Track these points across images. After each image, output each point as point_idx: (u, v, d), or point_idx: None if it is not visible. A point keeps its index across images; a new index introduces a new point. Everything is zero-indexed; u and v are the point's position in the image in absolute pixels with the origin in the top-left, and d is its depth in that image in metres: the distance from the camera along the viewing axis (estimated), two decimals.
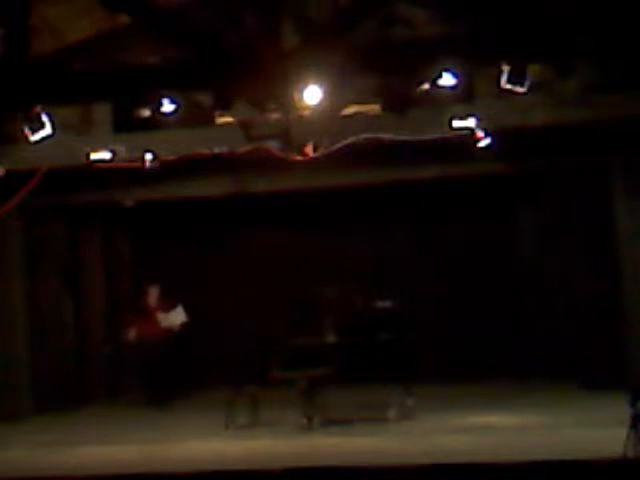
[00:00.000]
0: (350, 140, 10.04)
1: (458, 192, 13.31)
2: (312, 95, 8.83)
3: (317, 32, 8.79)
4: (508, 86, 8.32)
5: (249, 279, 14.97)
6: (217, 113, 10.61)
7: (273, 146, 9.93)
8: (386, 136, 9.97)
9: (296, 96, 8.98)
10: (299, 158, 10.02)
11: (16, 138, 9.81)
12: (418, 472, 7.52)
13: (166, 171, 10.45)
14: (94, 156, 10.29)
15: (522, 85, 8.29)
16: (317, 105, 9.10)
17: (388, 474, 7.61)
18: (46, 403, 12.51)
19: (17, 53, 8.27)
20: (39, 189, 10.34)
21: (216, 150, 10.29)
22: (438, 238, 15.17)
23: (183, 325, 13.10)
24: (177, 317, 13.13)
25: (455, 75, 8.43)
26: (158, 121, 9.65)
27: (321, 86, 8.68)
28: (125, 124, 10.74)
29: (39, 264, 13.02)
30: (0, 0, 8.38)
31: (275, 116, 9.62)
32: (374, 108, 10.50)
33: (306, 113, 9.82)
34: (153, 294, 13.52)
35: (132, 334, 13.12)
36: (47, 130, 8.94)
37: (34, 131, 8.95)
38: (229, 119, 10.46)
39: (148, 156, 10.21)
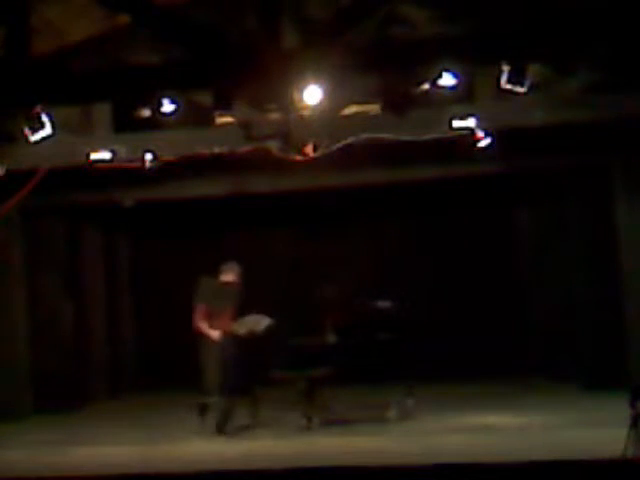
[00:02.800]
0: (350, 140, 10.03)
1: (458, 192, 13.31)
2: (312, 95, 8.83)
3: (317, 32, 8.79)
4: (508, 86, 8.33)
5: (249, 279, 14.96)
6: (217, 113, 10.59)
7: (273, 146, 9.93)
8: (386, 136, 9.96)
9: (296, 96, 8.98)
10: (299, 158, 10.02)
11: (16, 138, 9.81)
12: (418, 472, 7.52)
13: (166, 171, 10.45)
14: (94, 156, 10.28)
15: (522, 85, 8.29)
16: (317, 105, 9.10)
17: (388, 474, 7.60)
18: (46, 403, 12.51)
19: (17, 53, 8.26)
20: (39, 189, 10.34)
21: (216, 150, 10.29)
22: (438, 238, 15.18)
23: (266, 329, 10.44)
24: (259, 323, 10.49)
25: (455, 75, 8.43)
26: (158, 121, 9.65)
27: (321, 86, 8.68)
28: (125, 124, 10.74)
29: (39, 264, 13.02)
30: (0, 0, 8.38)
31: (275, 116, 9.62)
32: (374, 108, 10.49)
33: (306, 113, 9.82)
34: (230, 277, 10.70)
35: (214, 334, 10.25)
36: (47, 130, 8.94)
37: (34, 131, 8.95)
38: (229, 119, 10.46)
39: (148, 156, 10.21)
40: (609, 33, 7.87)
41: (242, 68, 8.20)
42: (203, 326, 10.32)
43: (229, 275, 10.69)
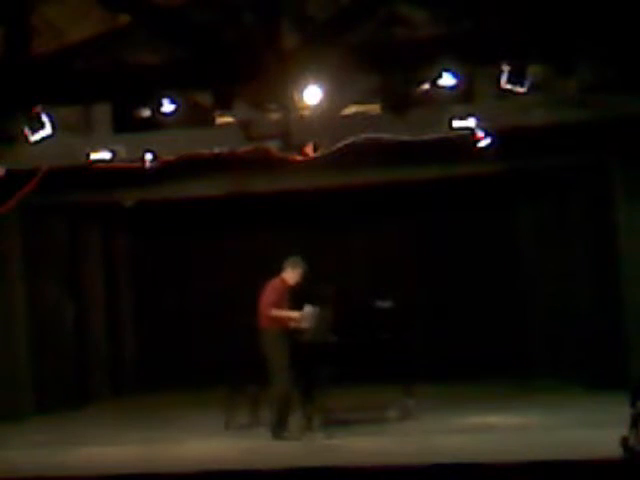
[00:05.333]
0: (350, 140, 10.03)
1: (458, 192, 13.31)
2: (312, 95, 8.83)
3: (317, 32, 8.79)
4: (508, 86, 8.33)
5: (249, 279, 14.96)
6: (217, 113, 10.59)
7: (273, 146, 9.93)
8: (386, 136, 9.96)
9: (296, 96, 8.98)
10: (299, 158, 10.02)
11: (16, 138, 9.81)
12: (418, 472, 7.52)
13: (166, 171, 10.45)
14: (94, 156, 10.28)
15: (522, 85, 8.29)
16: (317, 105, 9.10)
17: (388, 474, 7.61)
18: (46, 403, 12.51)
19: (17, 53, 8.27)
20: (39, 189, 10.34)
21: (216, 150, 10.29)
22: (438, 238, 15.18)
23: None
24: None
25: (455, 75, 8.44)
26: (158, 121, 9.65)
27: (321, 86, 8.68)
28: (125, 124, 10.74)
29: (39, 264, 13.02)
30: (0, 0, 8.38)
31: (275, 116, 9.62)
32: (374, 108, 10.49)
33: (306, 113, 9.82)
34: (291, 278, 9.94)
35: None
36: (47, 130, 8.94)
37: (34, 131, 8.95)
38: (229, 119, 10.46)
39: (148, 156, 10.21)
40: (609, 33, 7.87)
41: (242, 68, 8.21)
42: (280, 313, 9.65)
43: (295, 275, 9.95)
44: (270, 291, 9.91)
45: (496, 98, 9.59)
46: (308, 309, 9.89)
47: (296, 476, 7.76)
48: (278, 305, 9.82)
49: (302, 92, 8.81)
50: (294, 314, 9.85)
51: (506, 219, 15.03)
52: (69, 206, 12.82)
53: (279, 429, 9.67)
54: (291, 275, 9.99)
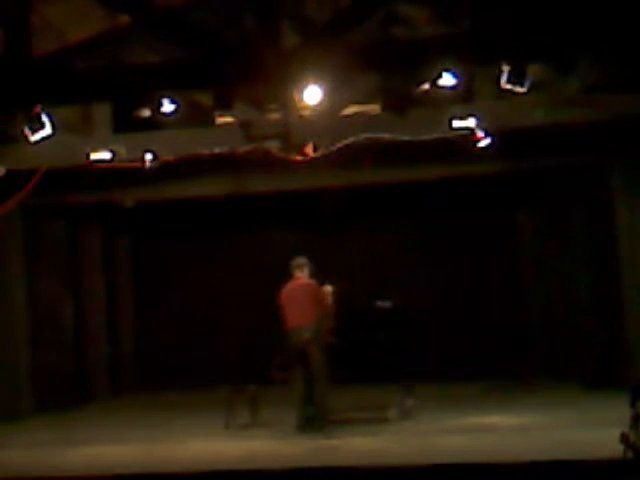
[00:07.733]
0: (350, 140, 10.03)
1: (458, 192, 13.31)
2: (312, 95, 8.83)
3: (317, 32, 8.78)
4: (508, 86, 8.31)
5: (249, 279, 14.99)
6: (217, 113, 10.59)
7: (273, 146, 9.93)
8: (386, 136, 9.97)
9: (296, 96, 8.97)
10: (299, 158, 10.02)
11: (16, 138, 9.81)
12: (418, 472, 7.53)
13: (166, 171, 10.46)
14: (94, 156, 10.28)
15: (522, 85, 8.28)
16: (317, 105, 9.09)
17: (388, 474, 7.61)
18: (46, 403, 12.52)
19: (17, 53, 8.26)
20: (39, 189, 10.34)
21: (216, 150, 10.29)
22: (438, 238, 15.19)
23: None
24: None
25: (455, 75, 8.42)
26: (158, 121, 9.65)
27: (321, 86, 8.67)
28: (125, 124, 10.74)
29: (39, 264, 13.02)
30: (0, 0, 8.37)
31: (275, 116, 9.62)
32: (374, 108, 10.49)
33: (306, 113, 9.82)
34: (300, 276, 10.59)
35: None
36: (47, 130, 8.92)
37: (34, 131, 8.93)
38: (229, 119, 10.46)
39: (148, 156, 10.21)
40: (609, 33, 7.87)
41: (242, 68, 8.19)
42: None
43: (306, 275, 10.55)
44: (315, 296, 10.20)
45: (496, 98, 9.59)
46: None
47: (296, 476, 7.77)
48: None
49: (302, 92, 8.80)
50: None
51: (506, 219, 15.05)
52: (69, 206, 12.82)
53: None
54: (303, 276, 10.42)
